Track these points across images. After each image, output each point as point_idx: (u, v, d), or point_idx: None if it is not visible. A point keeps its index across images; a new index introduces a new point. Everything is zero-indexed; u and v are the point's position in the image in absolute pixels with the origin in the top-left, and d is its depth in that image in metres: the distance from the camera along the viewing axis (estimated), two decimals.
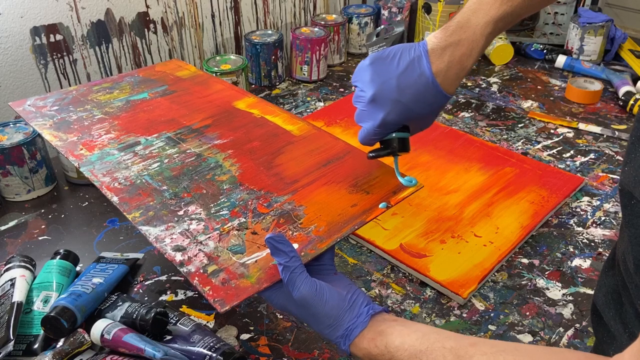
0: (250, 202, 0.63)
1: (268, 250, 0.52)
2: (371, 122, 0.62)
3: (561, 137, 1.07)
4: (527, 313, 0.71)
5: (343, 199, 0.63)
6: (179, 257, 0.55)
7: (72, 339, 0.62)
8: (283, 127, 0.78)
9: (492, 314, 0.71)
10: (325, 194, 0.64)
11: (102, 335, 0.61)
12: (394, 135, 0.64)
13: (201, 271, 0.54)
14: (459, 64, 0.60)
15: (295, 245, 0.56)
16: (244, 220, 0.60)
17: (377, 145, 0.66)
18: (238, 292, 0.51)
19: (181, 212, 0.61)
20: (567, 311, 0.71)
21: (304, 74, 1.28)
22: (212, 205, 0.62)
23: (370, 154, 0.66)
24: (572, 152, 1.03)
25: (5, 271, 0.70)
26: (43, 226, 0.85)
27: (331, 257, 0.58)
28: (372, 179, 0.66)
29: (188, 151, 0.72)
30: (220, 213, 0.61)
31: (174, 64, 1.00)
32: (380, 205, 0.62)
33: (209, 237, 0.58)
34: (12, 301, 0.65)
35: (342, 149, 0.72)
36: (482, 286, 0.75)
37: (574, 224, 0.85)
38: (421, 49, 0.60)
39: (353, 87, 0.65)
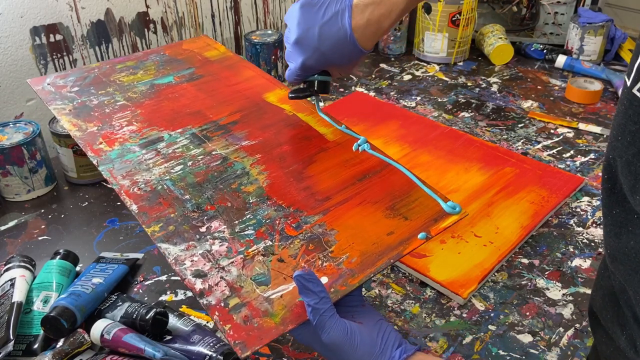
0: (277, 222, 0.57)
1: (294, 284, 0.49)
2: (294, 64, 0.66)
3: (561, 137, 1.07)
4: (527, 313, 0.71)
5: (379, 223, 0.57)
6: (199, 284, 0.50)
7: (72, 339, 0.62)
8: (316, 129, 0.71)
9: (492, 314, 0.71)
10: (359, 216, 0.58)
11: (102, 335, 0.61)
12: (316, 77, 0.68)
13: (222, 304, 0.49)
14: (377, 23, 0.63)
15: (325, 279, 0.51)
16: (271, 243, 0.55)
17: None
18: (261, 334, 0.47)
19: (203, 229, 0.56)
20: (567, 311, 0.71)
21: None
22: (236, 222, 0.57)
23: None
24: (572, 152, 1.03)
25: (5, 271, 0.70)
26: (43, 226, 0.85)
27: (360, 287, 0.54)
28: (411, 202, 0.60)
29: (214, 153, 0.66)
30: (245, 232, 0.56)
31: (202, 41, 0.93)
32: (419, 236, 0.55)
33: (232, 262, 0.53)
34: (12, 301, 0.65)
35: (378, 162, 0.66)
36: (482, 286, 0.75)
37: (574, 224, 0.85)
38: (347, 2, 0.63)
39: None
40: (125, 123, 0.71)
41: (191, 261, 0.52)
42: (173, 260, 0.53)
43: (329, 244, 0.55)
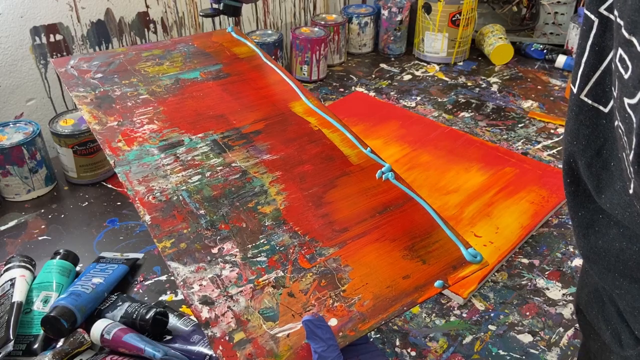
0: (291, 250, 0.55)
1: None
2: None
3: (561, 137, 1.07)
4: (527, 313, 0.71)
5: (395, 264, 0.54)
6: (205, 313, 0.48)
7: (72, 339, 0.62)
8: (340, 150, 0.67)
9: (492, 314, 0.71)
10: (376, 253, 0.55)
11: (102, 335, 0.61)
12: (227, 1, 0.86)
13: (227, 338, 0.47)
14: None
15: (334, 321, 0.49)
16: (282, 274, 0.52)
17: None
18: None
19: (215, 250, 0.54)
20: (567, 311, 0.71)
21: (304, 74, 1.28)
22: (249, 245, 0.55)
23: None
24: None
25: (5, 271, 0.70)
26: (43, 226, 0.85)
27: None
28: (431, 243, 0.56)
29: (233, 165, 0.64)
30: (258, 259, 0.53)
31: (231, 34, 0.93)
32: (435, 284, 0.52)
33: (241, 292, 0.50)
34: (12, 301, 0.65)
35: (401, 194, 0.62)
36: (482, 286, 0.75)
37: None
38: None
39: None
40: (146, 120, 0.69)
41: (200, 285, 0.50)
42: (181, 282, 0.51)
43: (342, 281, 0.52)
